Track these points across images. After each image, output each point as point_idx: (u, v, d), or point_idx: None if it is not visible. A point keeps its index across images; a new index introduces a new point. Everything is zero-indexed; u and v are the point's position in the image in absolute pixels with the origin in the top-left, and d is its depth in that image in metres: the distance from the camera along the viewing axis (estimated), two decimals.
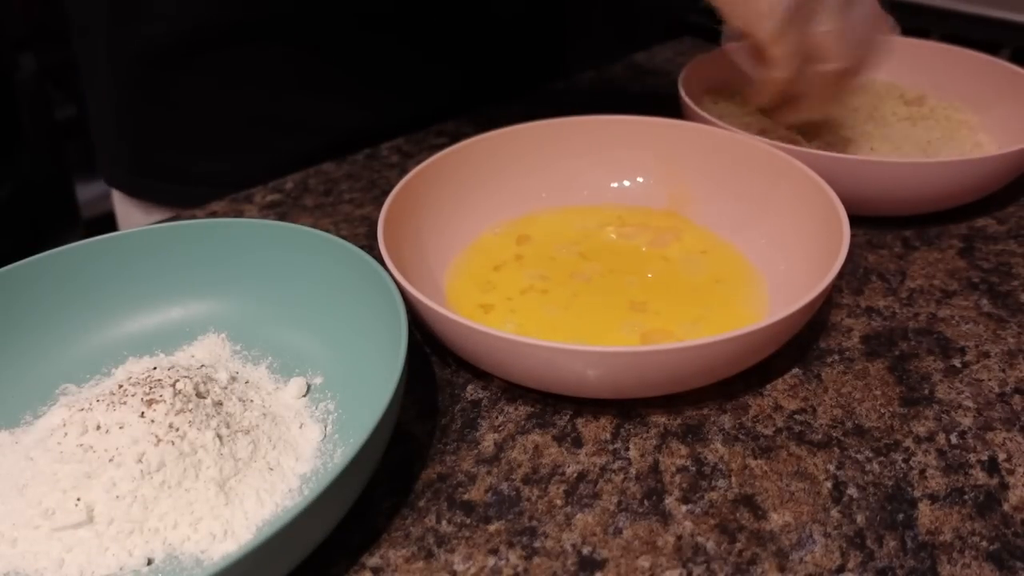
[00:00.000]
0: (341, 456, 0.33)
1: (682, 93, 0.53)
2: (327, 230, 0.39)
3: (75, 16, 0.60)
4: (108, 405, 0.32)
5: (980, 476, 0.33)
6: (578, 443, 0.35)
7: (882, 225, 0.49)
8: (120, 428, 0.31)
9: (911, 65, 0.61)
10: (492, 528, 0.31)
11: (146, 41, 0.56)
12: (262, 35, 0.57)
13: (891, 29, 0.47)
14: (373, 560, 0.30)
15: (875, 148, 0.53)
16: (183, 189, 0.61)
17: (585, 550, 0.30)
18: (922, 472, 0.33)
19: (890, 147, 0.53)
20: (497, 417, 0.36)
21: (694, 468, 0.33)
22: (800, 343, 0.40)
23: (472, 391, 0.38)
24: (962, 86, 0.59)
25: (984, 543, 0.30)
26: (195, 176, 0.61)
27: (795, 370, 0.38)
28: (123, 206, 0.66)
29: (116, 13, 0.56)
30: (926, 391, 0.37)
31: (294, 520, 0.25)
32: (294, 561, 0.28)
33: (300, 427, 0.35)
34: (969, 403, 0.36)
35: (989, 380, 0.37)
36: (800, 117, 0.49)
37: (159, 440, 0.31)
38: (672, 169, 0.49)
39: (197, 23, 0.55)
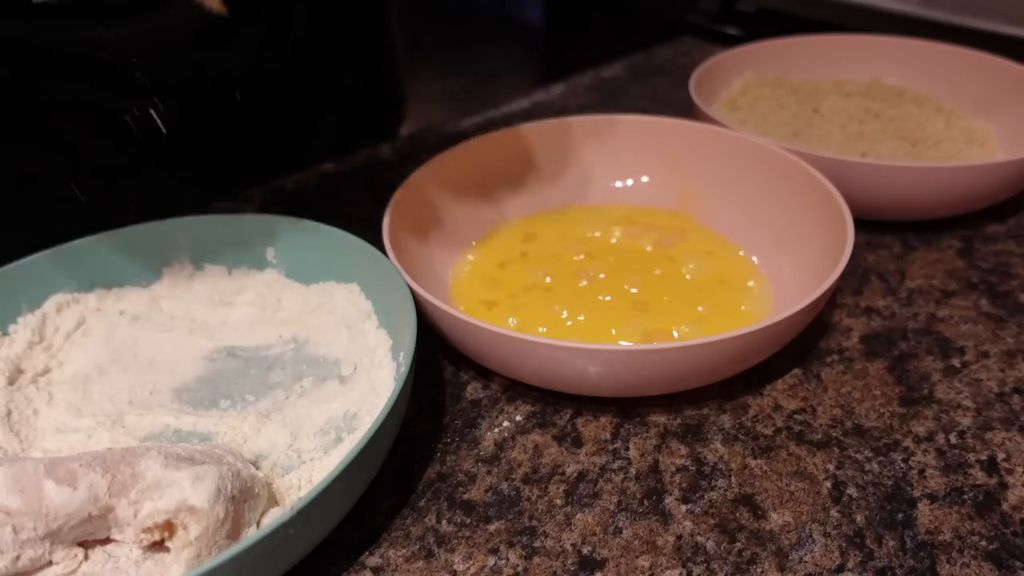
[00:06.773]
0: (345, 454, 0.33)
1: (693, 95, 0.53)
2: None
3: None
4: None
5: (979, 476, 0.33)
6: (578, 443, 0.35)
7: (882, 225, 0.49)
8: None
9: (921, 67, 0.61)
10: (492, 528, 0.31)
11: None
12: None
13: None
14: (373, 560, 0.30)
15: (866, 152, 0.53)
16: None
17: (585, 550, 0.30)
18: (921, 472, 0.33)
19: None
20: (497, 417, 0.36)
21: (694, 468, 0.33)
22: (800, 343, 0.40)
23: (473, 391, 0.38)
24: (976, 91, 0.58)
25: (983, 543, 0.30)
26: None
27: (795, 370, 0.38)
28: None
29: None
30: (925, 391, 0.37)
31: (295, 518, 0.25)
32: (294, 560, 0.28)
33: None
34: (968, 403, 0.36)
35: (988, 380, 0.38)
36: None
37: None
38: (681, 169, 0.49)
39: None
